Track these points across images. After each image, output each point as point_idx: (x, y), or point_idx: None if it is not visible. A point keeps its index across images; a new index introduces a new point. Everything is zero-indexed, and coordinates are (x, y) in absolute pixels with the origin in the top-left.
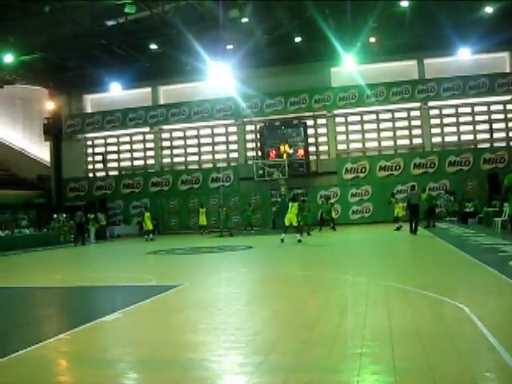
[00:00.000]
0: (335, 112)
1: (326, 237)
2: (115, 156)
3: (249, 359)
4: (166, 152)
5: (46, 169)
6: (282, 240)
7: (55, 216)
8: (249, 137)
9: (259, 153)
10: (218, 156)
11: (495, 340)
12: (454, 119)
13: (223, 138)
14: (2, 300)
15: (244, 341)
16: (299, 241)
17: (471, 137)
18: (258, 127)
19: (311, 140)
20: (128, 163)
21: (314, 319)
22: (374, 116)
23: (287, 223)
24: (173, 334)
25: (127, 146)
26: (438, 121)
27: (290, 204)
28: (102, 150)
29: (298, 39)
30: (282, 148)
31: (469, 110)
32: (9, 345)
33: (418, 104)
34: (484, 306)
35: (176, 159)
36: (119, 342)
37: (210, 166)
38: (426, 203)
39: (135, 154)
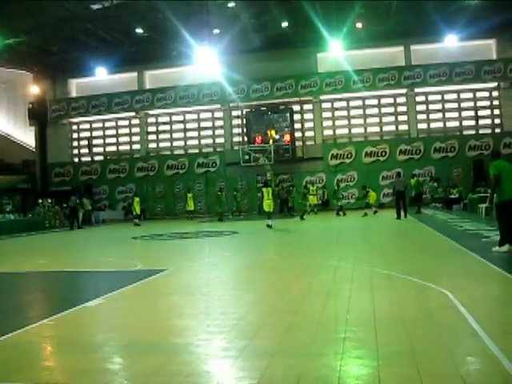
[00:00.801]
0: (321, 98)
1: (312, 222)
2: (101, 141)
3: (233, 344)
4: (152, 137)
5: (30, 154)
6: (269, 225)
7: (40, 201)
8: (235, 122)
9: (245, 138)
10: (203, 141)
11: (478, 325)
12: (439, 106)
13: (209, 123)
14: None
15: (228, 325)
16: (269, 226)
17: (457, 123)
18: (244, 112)
19: (297, 126)
20: (113, 148)
21: (298, 304)
22: (360, 102)
23: (267, 209)
24: (157, 318)
25: (113, 131)
26: (423, 107)
27: (264, 190)
28: (87, 134)
29: (284, 24)
30: (268, 133)
31: (455, 96)
32: None
33: (405, 90)
34: (467, 292)
35: (162, 144)
36: (103, 327)
37: (196, 151)
38: (414, 189)
39: (121, 139)
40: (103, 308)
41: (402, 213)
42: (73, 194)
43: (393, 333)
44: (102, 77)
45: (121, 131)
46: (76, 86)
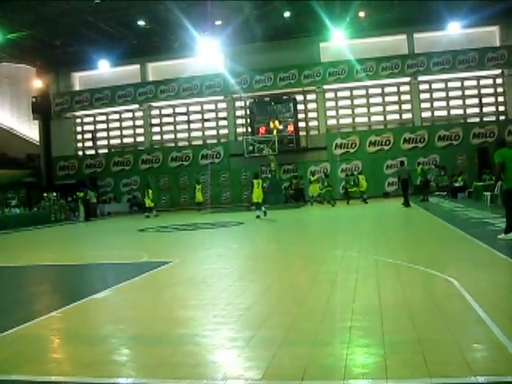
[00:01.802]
0: (325, 87)
1: (317, 211)
2: (104, 134)
3: (239, 334)
4: (156, 129)
5: (35, 147)
6: (258, 216)
7: (45, 195)
8: (238, 113)
9: (249, 129)
10: (207, 133)
11: (484, 313)
12: (443, 94)
13: (213, 115)
14: None
15: (235, 316)
16: (258, 216)
17: (461, 111)
18: (247, 103)
19: (301, 116)
20: (117, 141)
21: (304, 294)
22: (363, 91)
23: (256, 200)
24: (164, 310)
25: (116, 124)
26: (427, 95)
27: (255, 181)
28: (91, 127)
29: (286, 14)
30: (271, 124)
31: (458, 84)
32: (1, 323)
33: (408, 79)
34: (473, 280)
35: (166, 136)
36: (110, 319)
37: (200, 142)
38: (420, 177)
39: (125, 132)
40: (110, 300)
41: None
42: (82, 186)
43: (399, 321)
44: (104, 70)
45: (124, 124)
46: (79, 80)
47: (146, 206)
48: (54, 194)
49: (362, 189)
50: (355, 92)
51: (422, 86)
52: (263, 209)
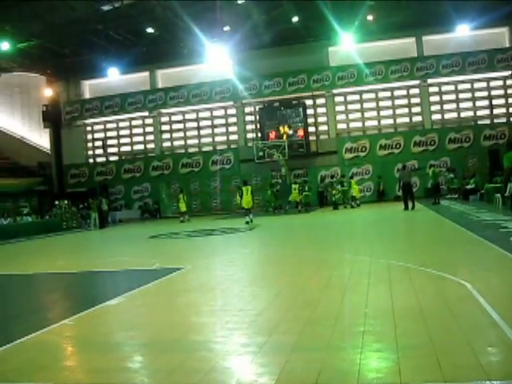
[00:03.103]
0: (334, 91)
1: (327, 216)
2: (115, 141)
3: (252, 339)
4: (166, 136)
5: (46, 156)
6: (247, 222)
7: (57, 203)
8: (248, 118)
9: (259, 134)
10: (217, 138)
11: (497, 315)
12: (453, 96)
13: (222, 121)
14: (7, 287)
15: (247, 321)
16: (247, 222)
17: (471, 113)
18: (257, 109)
19: (311, 120)
20: (128, 148)
21: (316, 299)
22: (373, 95)
23: (246, 206)
24: (176, 316)
25: (127, 131)
26: (437, 98)
27: (244, 188)
28: (101, 135)
29: (295, 19)
30: (281, 129)
31: (468, 86)
32: (14, 331)
33: (417, 81)
34: (486, 282)
35: (176, 143)
36: (123, 326)
37: (210, 148)
38: (431, 180)
39: (135, 139)
40: (123, 307)
41: (410, 204)
42: (93, 194)
43: (412, 325)
44: (114, 77)
45: (135, 131)
46: (89, 88)
47: (181, 211)
48: (66, 202)
49: (354, 194)
50: (365, 96)
51: (432, 89)
52: (251, 216)
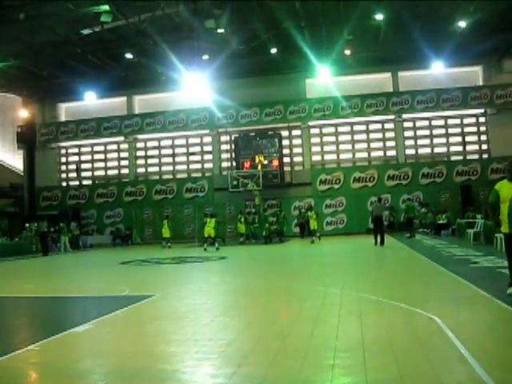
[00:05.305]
0: (310, 123)
1: (300, 247)
2: (89, 165)
3: (221, 370)
4: (141, 162)
5: (18, 177)
6: (205, 249)
7: (27, 225)
8: (223, 147)
9: (234, 163)
10: (192, 166)
11: (466, 351)
12: (427, 132)
13: (198, 148)
14: None
15: (216, 352)
16: (217, 249)
17: (444, 149)
18: (232, 138)
19: (286, 151)
20: (102, 172)
21: (286, 330)
22: (348, 128)
23: (206, 235)
24: (145, 344)
25: (101, 156)
26: (411, 133)
27: (208, 219)
28: (75, 158)
29: (273, 50)
30: (256, 159)
31: (442, 122)
32: None
33: (392, 116)
34: (456, 318)
35: (150, 169)
36: (90, 353)
37: (185, 176)
38: (406, 214)
39: (109, 164)
40: (91, 333)
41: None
42: (64, 218)
43: (381, 359)
44: (91, 101)
45: (109, 156)
46: (65, 110)
47: (164, 237)
48: (36, 225)
49: (313, 227)
50: (340, 128)
51: (407, 124)
52: (216, 244)
